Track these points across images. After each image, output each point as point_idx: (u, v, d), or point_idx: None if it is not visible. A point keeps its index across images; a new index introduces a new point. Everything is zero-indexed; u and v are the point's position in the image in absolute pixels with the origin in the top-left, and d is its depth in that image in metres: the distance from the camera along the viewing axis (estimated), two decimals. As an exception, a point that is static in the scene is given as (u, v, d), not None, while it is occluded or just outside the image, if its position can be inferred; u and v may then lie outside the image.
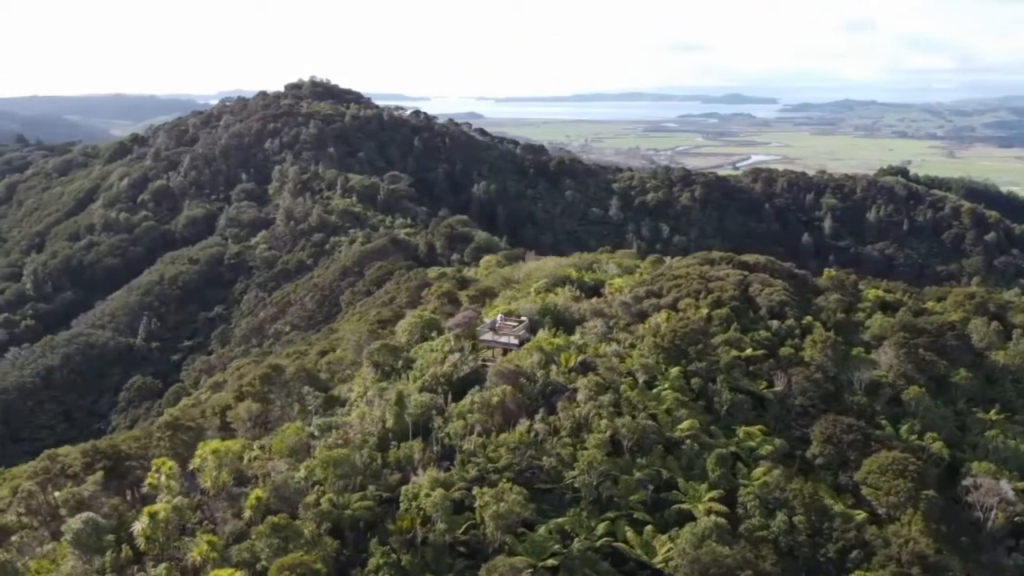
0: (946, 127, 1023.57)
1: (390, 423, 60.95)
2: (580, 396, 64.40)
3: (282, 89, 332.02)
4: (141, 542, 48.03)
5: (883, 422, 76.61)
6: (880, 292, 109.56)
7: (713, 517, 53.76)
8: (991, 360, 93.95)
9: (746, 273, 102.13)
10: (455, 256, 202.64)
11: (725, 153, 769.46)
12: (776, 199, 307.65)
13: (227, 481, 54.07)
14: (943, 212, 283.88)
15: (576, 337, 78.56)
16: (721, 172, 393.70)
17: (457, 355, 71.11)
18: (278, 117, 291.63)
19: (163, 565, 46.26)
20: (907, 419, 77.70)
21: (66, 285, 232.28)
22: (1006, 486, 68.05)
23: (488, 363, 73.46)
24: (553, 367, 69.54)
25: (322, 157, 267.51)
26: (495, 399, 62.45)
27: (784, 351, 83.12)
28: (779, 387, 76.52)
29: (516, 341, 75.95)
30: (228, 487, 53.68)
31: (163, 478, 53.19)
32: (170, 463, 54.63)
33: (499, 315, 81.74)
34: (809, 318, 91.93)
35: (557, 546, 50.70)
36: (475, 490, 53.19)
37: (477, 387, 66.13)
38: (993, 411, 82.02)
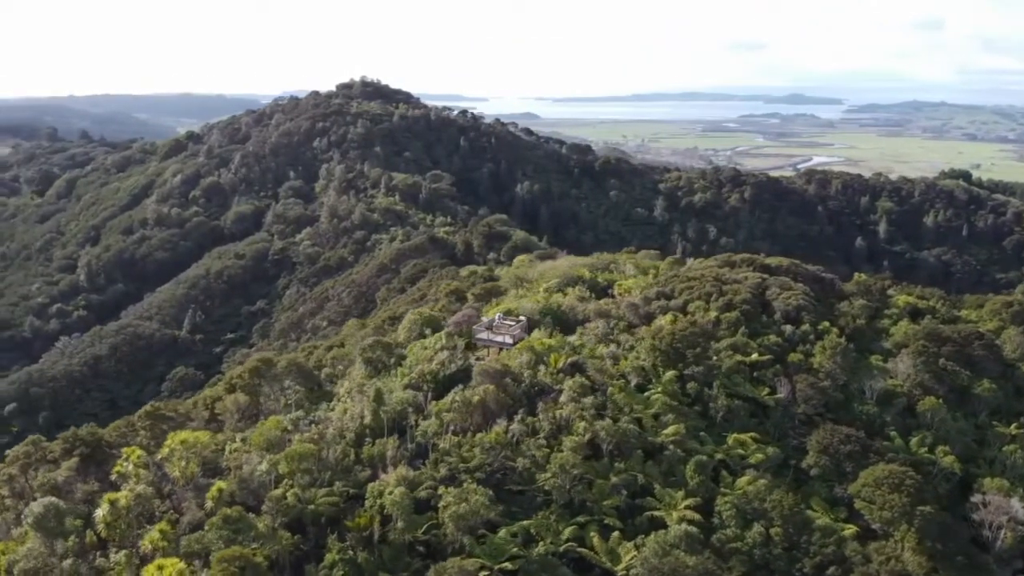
0: (1017, 130, 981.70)
1: (368, 419, 60.88)
2: (562, 398, 63.32)
3: (334, 89, 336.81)
4: (102, 528, 48.99)
5: (892, 433, 73.51)
6: (910, 298, 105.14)
7: (684, 526, 52.13)
8: (1023, 371, 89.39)
9: (765, 276, 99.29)
10: (492, 255, 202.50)
11: (786, 154, 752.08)
12: (830, 201, 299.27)
13: (195, 472, 54.80)
14: (1005, 217, 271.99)
15: (574, 338, 77.35)
16: (779, 174, 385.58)
17: (446, 353, 70.71)
18: (327, 116, 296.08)
19: (123, 552, 47.06)
20: (919, 431, 74.40)
21: (118, 277, 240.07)
22: (1016, 504, 64.42)
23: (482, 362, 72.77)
24: (542, 367, 68.50)
25: (368, 156, 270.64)
26: (475, 398, 61.82)
27: (793, 357, 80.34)
28: (781, 394, 74.08)
29: (511, 341, 75.18)
30: (196, 478, 54.41)
31: (130, 466, 54.20)
32: (139, 451, 55.62)
33: (497, 314, 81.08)
34: (826, 324, 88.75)
35: (516, 549, 49.83)
36: (440, 489, 52.68)
37: (460, 386, 65.61)
38: (1015, 425, 77.85)
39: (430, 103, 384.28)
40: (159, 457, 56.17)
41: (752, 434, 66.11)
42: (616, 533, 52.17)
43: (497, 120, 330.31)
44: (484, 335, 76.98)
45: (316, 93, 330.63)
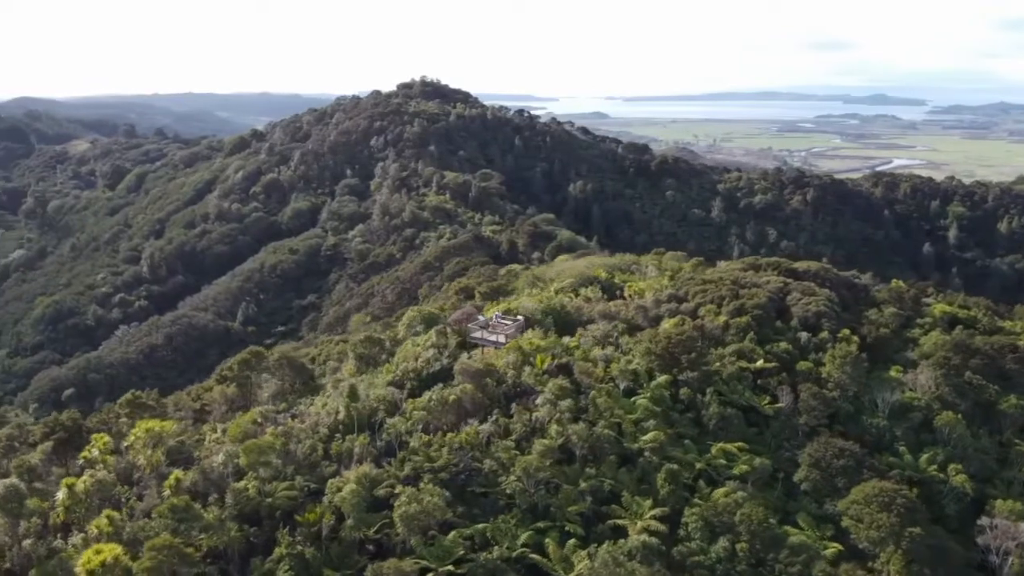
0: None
1: (342, 415, 60.93)
2: (539, 400, 62.10)
3: (395, 88, 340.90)
4: (60, 512, 50.31)
5: (902, 449, 69.78)
6: (948, 308, 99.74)
7: (644, 536, 50.36)
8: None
9: (788, 281, 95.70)
10: (536, 254, 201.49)
11: (864, 156, 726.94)
12: (897, 205, 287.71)
13: (160, 460, 55.78)
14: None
15: (571, 339, 75.92)
16: (856, 176, 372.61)
17: (432, 351, 70.25)
18: (385, 115, 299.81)
19: (80, 536, 48.24)
20: (932, 447, 70.36)
21: (179, 269, 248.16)
22: (1026, 529, 60.17)
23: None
24: (527, 368, 67.33)
25: (423, 155, 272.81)
26: (451, 397, 61.17)
27: (802, 365, 77.13)
28: (783, 403, 71.11)
29: (504, 340, 74.21)
30: (160, 466, 55.39)
31: (96, 452, 55.55)
32: (106, 438, 56.95)
33: (495, 313, 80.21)
34: (846, 332, 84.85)
35: (463, 552, 48.97)
36: (398, 488, 52.24)
37: (440, 384, 65.06)
38: (1039, 444, 72.84)
39: (500, 103, 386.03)
40: (124, 445, 57.57)
41: (740, 444, 63.56)
42: (572, 540, 50.74)
43: (553, 119, 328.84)
44: (479, 334, 76.27)
45: (377, 92, 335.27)
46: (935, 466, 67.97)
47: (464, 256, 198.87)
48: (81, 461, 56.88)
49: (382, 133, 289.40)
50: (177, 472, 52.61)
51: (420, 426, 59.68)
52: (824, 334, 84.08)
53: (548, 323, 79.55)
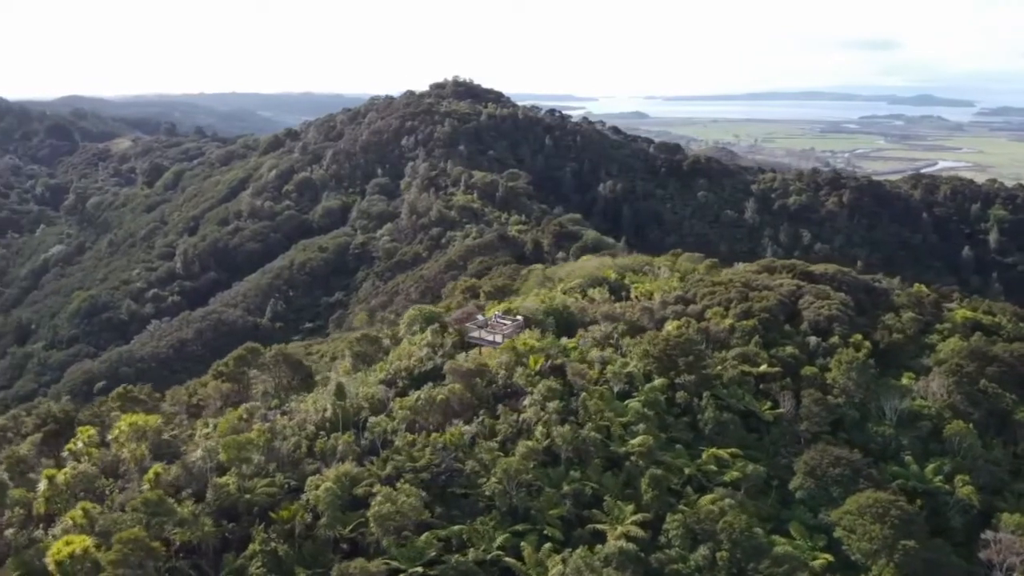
0: None
1: (328, 413, 60.91)
2: (526, 401, 61.38)
3: (428, 88, 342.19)
4: (41, 503, 51.04)
5: (908, 458, 67.63)
6: (970, 313, 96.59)
7: (621, 542, 49.37)
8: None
9: (802, 284, 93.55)
10: (560, 254, 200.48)
11: (909, 158, 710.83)
12: (937, 208, 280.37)
13: (144, 454, 56.32)
14: None
15: (569, 340, 75.05)
16: (899, 178, 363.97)
17: (425, 350, 69.95)
18: (416, 115, 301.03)
19: (60, 526, 48.90)
20: (939, 458, 68.08)
21: (211, 266, 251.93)
22: (1031, 544, 57.76)
23: (473, 361, 71.48)
24: (520, 369, 66.60)
25: (452, 155, 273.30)
26: (439, 397, 60.74)
27: (808, 371, 75.25)
28: (784, 409, 69.38)
29: (501, 340, 73.59)
30: (144, 460, 55.91)
31: (80, 444, 56.31)
32: (91, 431, 57.69)
33: (494, 313, 79.62)
34: (858, 337, 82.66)
35: (435, 553, 48.50)
36: (376, 488, 51.98)
37: (430, 383, 64.69)
38: (1057, 456, 70.08)
39: (539, 104, 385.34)
40: (109, 438, 58.27)
41: (733, 450, 62.09)
42: (548, 544, 49.95)
43: (585, 119, 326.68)
44: (476, 334, 75.78)
45: (410, 93, 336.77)
46: (941, 477, 65.81)
47: (488, 255, 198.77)
48: (65, 453, 57.85)
49: (413, 133, 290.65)
50: (157, 466, 53.07)
51: (404, 425, 59.36)
52: (835, 339, 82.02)
53: (549, 324, 78.77)
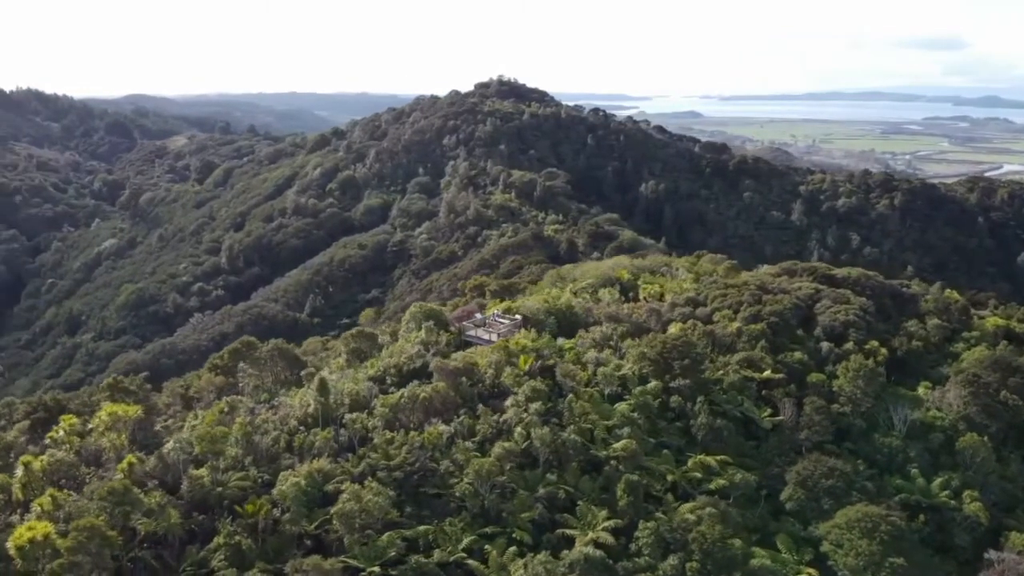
0: None
1: (311, 409, 60.91)
2: (508, 401, 60.40)
3: (472, 88, 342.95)
4: (18, 489, 52.08)
5: (914, 471, 64.72)
6: (1001, 320, 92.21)
7: (589, 548, 48.10)
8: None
9: (821, 287, 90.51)
10: (595, 254, 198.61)
11: (973, 161, 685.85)
12: (993, 212, 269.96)
13: (123, 444, 57.09)
14: None
15: (567, 341, 73.80)
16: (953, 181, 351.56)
17: (416, 347, 69.49)
18: (459, 115, 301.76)
19: (35, 512, 49.80)
20: (948, 471, 64.96)
21: (255, 261, 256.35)
22: (1034, 566, 54.62)
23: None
24: (508, 369, 65.61)
25: (493, 154, 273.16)
26: (422, 395, 60.21)
27: (815, 377, 72.63)
28: (783, 416, 67.03)
29: (497, 339, 72.72)
30: (123, 449, 56.66)
31: (61, 433, 57.36)
32: (73, 419, 58.69)
33: (494, 311, 78.79)
34: (874, 343, 79.52)
35: (395, 553, 47.93)
36: (345, 485, 51.68)
37: (416, 381, 64.20)
38: (1077, 474, 66.20)
39: (591, 103, 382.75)
40: (89, 427, 59.25)
41: (723, 457, 60.15)
42: (513, 548, 48.98)
43: (629, 118, 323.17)
44: (473, 332, 75.08)
45: (456, 92, 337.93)
46: (948, 492, 62.78)
47: (521, 255, 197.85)
48: (47, 441, 59.09)
49: (455, 132, 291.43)
50: (131, 456, 53.74)
51: (382, 423, 58.96)
52: (849, 345, 79.06)
53: (550, 323, 77.64)
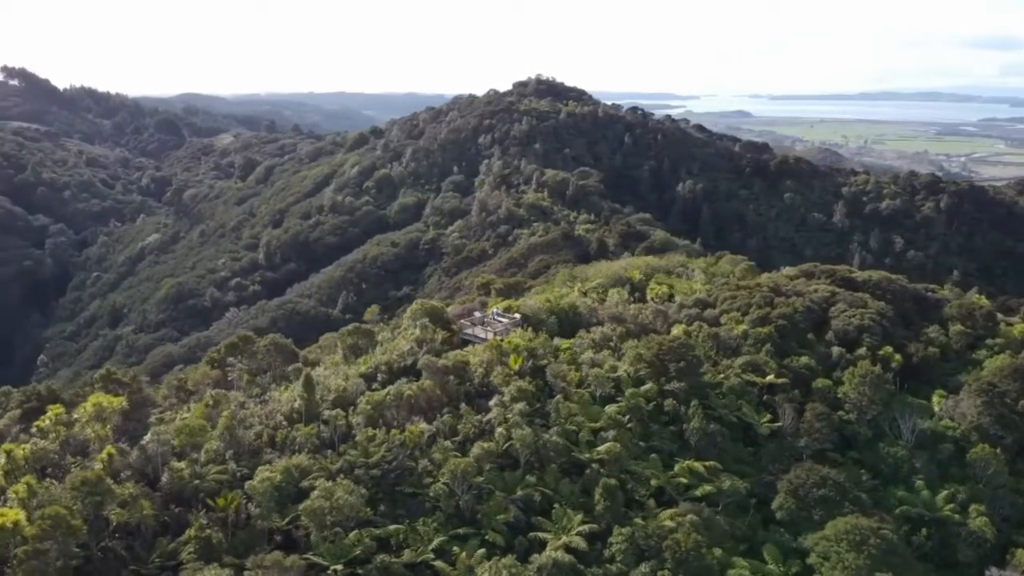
0: None
1: (297, 404, 60.88)
2: (492, 401, 59.53)
3: (511, 87, 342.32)
4: (0, 476, 52.94)
5: (919, 483, 62.19)
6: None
7: (559, 553, 47.02)
8: None
9: (837, 290, 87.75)
10: (625, 254, 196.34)
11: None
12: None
13: (107, 435, 57.69)
14: None
15: (565, 341, 72.65)
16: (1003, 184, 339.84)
17: (408, 345, 69.03)
18: (495, 114, 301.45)
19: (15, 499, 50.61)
20: (956, 483, 62.28)
21: (292, 257, 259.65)
22: (1038, 587, 51.93)
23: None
24: (499, 368, 64.74)
25: (528, 153, 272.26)
26: (407, 393, 59.72)
27: (820, 383, 70.32)
28: (782, 423, 64.97)
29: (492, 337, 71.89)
30: (107, 440, 57.22)
31: (48, 422, 58.19)
32: (60, 409, 59.51)
33: (493, 310, 77.96)
34: (888, 349, 76.78)
35: (361, 552, 47.43)
36: (319, 482, 51.43)
37: (404, 379, 63.74)
38: (1094, 490, 62.80)
39: (637, 103, 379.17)
40: (75, 417, 60.00)
41: (712, 463, 58.43)
42: (482, 550, 48.13)
43: (668, 116, 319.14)
44: (471, 330, 74.42)
45: (494, 91, 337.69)
46: (953, 505, 60.17)
47: (551, 254, 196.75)
48: (34, 430, 60.06)
49: (490, 131, 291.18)
50: (111, 447, 54.31)
51: (364, 420, 58.61)
52: (862, 350, 76.43)
53: (551, 323, 76.59)
